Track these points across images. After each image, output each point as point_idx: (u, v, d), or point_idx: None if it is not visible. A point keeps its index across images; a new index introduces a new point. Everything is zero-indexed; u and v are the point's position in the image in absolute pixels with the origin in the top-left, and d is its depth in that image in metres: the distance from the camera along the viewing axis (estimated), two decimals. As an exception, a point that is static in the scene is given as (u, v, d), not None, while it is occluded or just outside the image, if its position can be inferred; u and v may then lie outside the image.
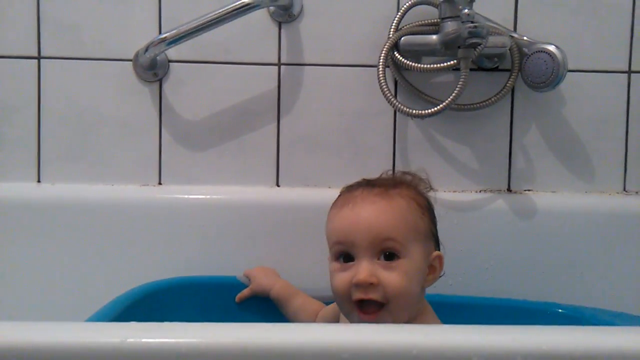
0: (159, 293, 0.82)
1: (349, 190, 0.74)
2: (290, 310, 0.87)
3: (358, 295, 0.66)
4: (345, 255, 0.69)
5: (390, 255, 0.67)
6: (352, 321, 0.70)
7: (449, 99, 0.88)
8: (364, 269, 0.66)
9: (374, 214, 0.68)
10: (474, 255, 0.97)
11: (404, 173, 0.81)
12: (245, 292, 0.89)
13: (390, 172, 0.82)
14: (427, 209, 0.74)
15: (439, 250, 0.74)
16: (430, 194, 0.79)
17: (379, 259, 0.67)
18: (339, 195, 0.75)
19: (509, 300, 0.90)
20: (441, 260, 0.73)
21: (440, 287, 0.94)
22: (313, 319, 0.85)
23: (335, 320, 0.79)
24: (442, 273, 0.74)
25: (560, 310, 0.85)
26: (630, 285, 0.96)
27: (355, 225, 0.67)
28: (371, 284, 0.65)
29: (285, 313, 0.88)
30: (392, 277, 0.66)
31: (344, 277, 0.67)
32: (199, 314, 0.85)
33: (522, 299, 0.90)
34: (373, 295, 0.66)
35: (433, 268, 0.72)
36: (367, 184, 0.73)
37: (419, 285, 0.70)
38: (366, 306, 0.67)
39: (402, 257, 0.67)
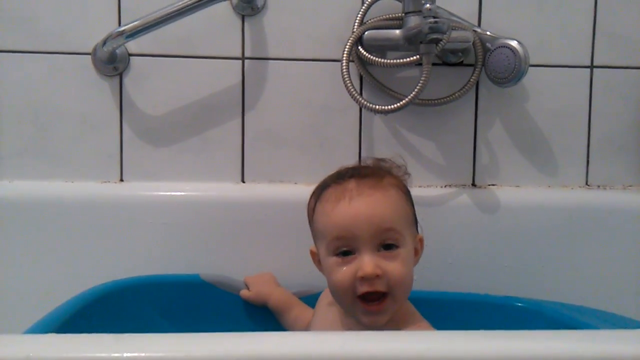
0: (118, 293, 0.81)
1: (339, 182, 0.73)
2: (287, 321, 0.86)
3: (364, 288, 0.66)
4: (344, 250, 0.68)
5: (388, 246, 0.68)
6: (354, 315, 0.70)
7: (411, 95, 0.88)
8: (368, 261, 0.66)
9: (373, 207, 0.68)
10: (438, 250, 0.96)
11: (382, 160, 0.81)
12: (246, 294, 0.88)
13: (369, 159, 0.81)
14: (409, 195, 0.76)
15: (418, 232, 0.76)
16: (407, 179, 0.80)
17: (379, 250, 0.67)
18: (327, 187, 0.73)
19: (471, 294, 0.90)
20: (422, 243, 0.76)
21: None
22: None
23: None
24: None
25: (519, 304, 0.85)
26: (592, 279, 0.98)
27: (356, 219, 0.67)
28: (377, 275, 0.66)
29: (282, 324, 0.87)
30: (394, 266, 0.67)
31: (347, 271, 0.67)
32: (159, 314, 0.84)
33: (483, 294, 0.90)
34: (379, 287, 0.66)
35: (416, 250, 0.74)
36: (358, 175, 0.73)
37: (413, 270, 0.71)
38: (370, 297, 0.67)
39: (400, 246, 0.68)
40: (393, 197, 0.71)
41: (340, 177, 0.74)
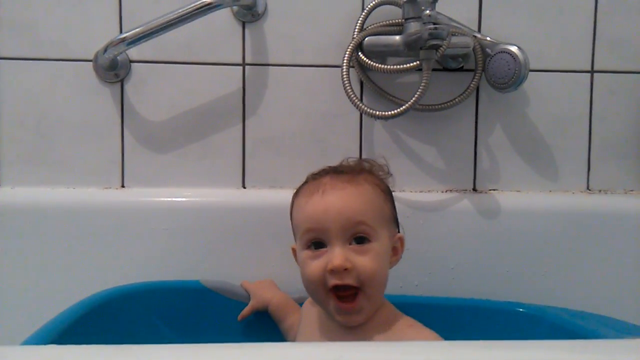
0: (119, 299, 0.81)
1: (314, 177, 0.74)
2: (284, 327, 0.86)
3: (334, 281, 0.66)
4: (316, 243, 0.69)
5: (361, 239, 0.68)
6: (328, 310, 0.69)
7: (411, 101, 0.88)
8: (338, 254, 0.66)
9: (344, 200, 0.68)
10: (439, 255, 0.97)
11: (363, 160, 0.81)
12: (246, 311, 0.87)
13: (352, 159, 0.81)
14: (389, 194, 0.76)
15: (399, 232, 0.76)
16: (389, 179, 0.80)
17: (350, 243, 0.67)
18: (305, 183, 0.75)
19: (472, 300, 0.90)
20: (402, 242, 0.75)
21: (405, 288, 0.95)
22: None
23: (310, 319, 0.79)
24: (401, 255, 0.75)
25: (521, 310, 0.85)
26: (594, 283, 0.98)
27: (327, 212, 0.68)
28: (346, 269, 0.65)
29: (280, 329, 0.87)
30: (364, 261, 0.67)
31: (317, 264, 0.67)
32: (160, 320, 0.84)
33: (485, 299, 0.90)
34: (348, 280, 0.66)
35: (396, 250, 0.73)
36: (334, 171, 0.74)
37: (387, 267, 0.71)
38: (343, 292, 0.67)
39: (372, 241, 0.68)
40: (366, 192, 0.71)
41: (318, 173, 0.76)
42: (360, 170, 0.75)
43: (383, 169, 0.79)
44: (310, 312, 0.77)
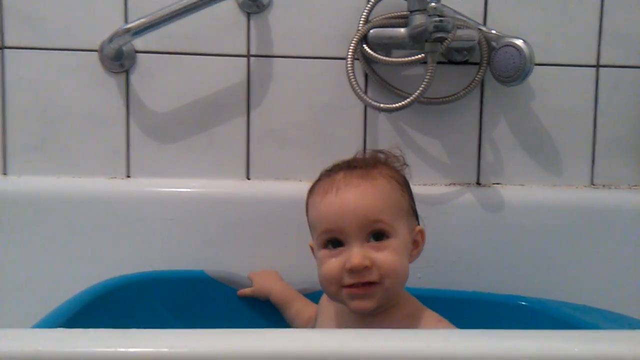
0: (124, 288, 0.82)
1: (328, 174, 0.73)
2: (289, 315, 0.87)
3: (351, 280, 0.65)
4: (333, 242, 0.68)
5: (379, 236, 0.67)
6: (343, 302, 0.68)
7: (416, 94, 0.88)
8: (356, 253, 0.65)
9: (359, 197, 0.67)
10: (442, 248, 0.97)
11: (378, 151, 0.79)
12: (246, 291, 0.89)
13: (367, 152, 0.80)
14: (406, 186, 0.74)
15: (419, 224, 0.75)
16: (405, 170, 0.78)
17: (368, 241, 0.66)
18: (319, 180, 0.74)
19: (474, 293, 0.91)
20: (423, 234, 0.73)
21: (408, 280, 0.95)
22: (309, 323, 0.84)
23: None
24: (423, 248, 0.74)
25: (523, 303, 0.86)
26: (596, 278, 0.98)
27: (343, 211, 0.66)
28: (365, 267, 0.64)
29: (285, 318, 0.88)
30: (384, 256, 0.65)
31: (335, 263, 0.66)
32: (164, 309, 0.85)
33: (487, 292, 0.91)
34: (369, 278, 0.65)
35: (416, 243, 0.72)
36: (347, 166, 0.72)
37: (407, 261, 0.70)
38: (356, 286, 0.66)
39: (391, 237, 0.67)
40: (382, 187, 0.69)
41: (331, 169, 0.74)
42: (374, 164, 0.73)
43: (399, 160, 0.77)
44: (328, 307, 0.77)
